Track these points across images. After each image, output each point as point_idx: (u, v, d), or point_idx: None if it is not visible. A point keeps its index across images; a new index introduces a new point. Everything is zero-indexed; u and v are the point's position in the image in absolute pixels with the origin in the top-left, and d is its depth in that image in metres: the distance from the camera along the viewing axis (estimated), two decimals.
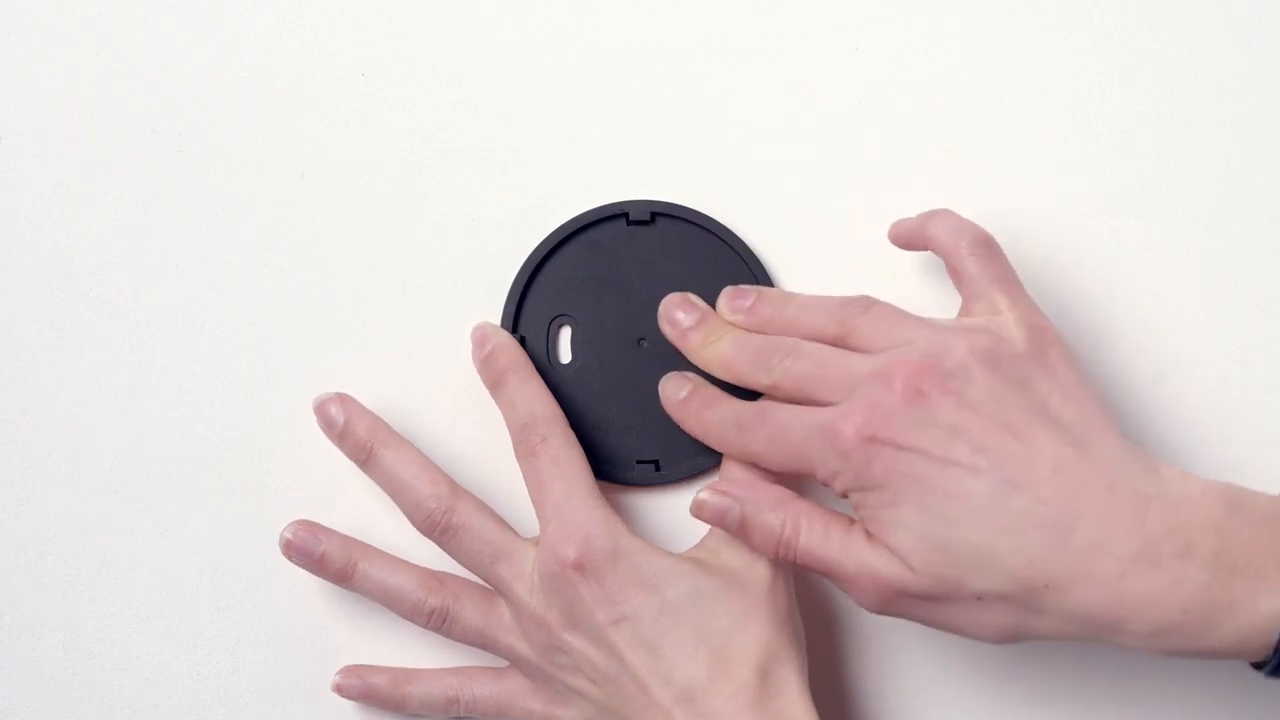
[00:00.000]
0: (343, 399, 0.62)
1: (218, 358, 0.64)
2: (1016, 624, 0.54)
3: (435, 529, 0.60)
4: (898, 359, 0.55)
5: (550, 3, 0.65)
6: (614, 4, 0.65)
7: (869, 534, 0.56)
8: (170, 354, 0.64)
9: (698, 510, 0.59)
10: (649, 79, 0.65)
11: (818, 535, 0.57)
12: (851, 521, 0.57)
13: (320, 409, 0.62)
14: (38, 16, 0.65)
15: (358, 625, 0.64)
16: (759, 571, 0.58)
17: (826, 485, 0.56)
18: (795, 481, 0.60)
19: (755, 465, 0.59)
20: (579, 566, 0.57)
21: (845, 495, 0.56)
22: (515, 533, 0.60)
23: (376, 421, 0.62)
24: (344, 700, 0.63)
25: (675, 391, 0.61)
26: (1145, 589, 0.52)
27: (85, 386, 0.64)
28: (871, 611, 0.56)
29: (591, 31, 0.65)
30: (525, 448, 0.60)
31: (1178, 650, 0.53)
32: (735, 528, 0.58)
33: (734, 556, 0.59)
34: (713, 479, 0.62)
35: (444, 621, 0.61)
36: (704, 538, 0.61)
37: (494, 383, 0.62)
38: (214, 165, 0.65)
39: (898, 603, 0.55)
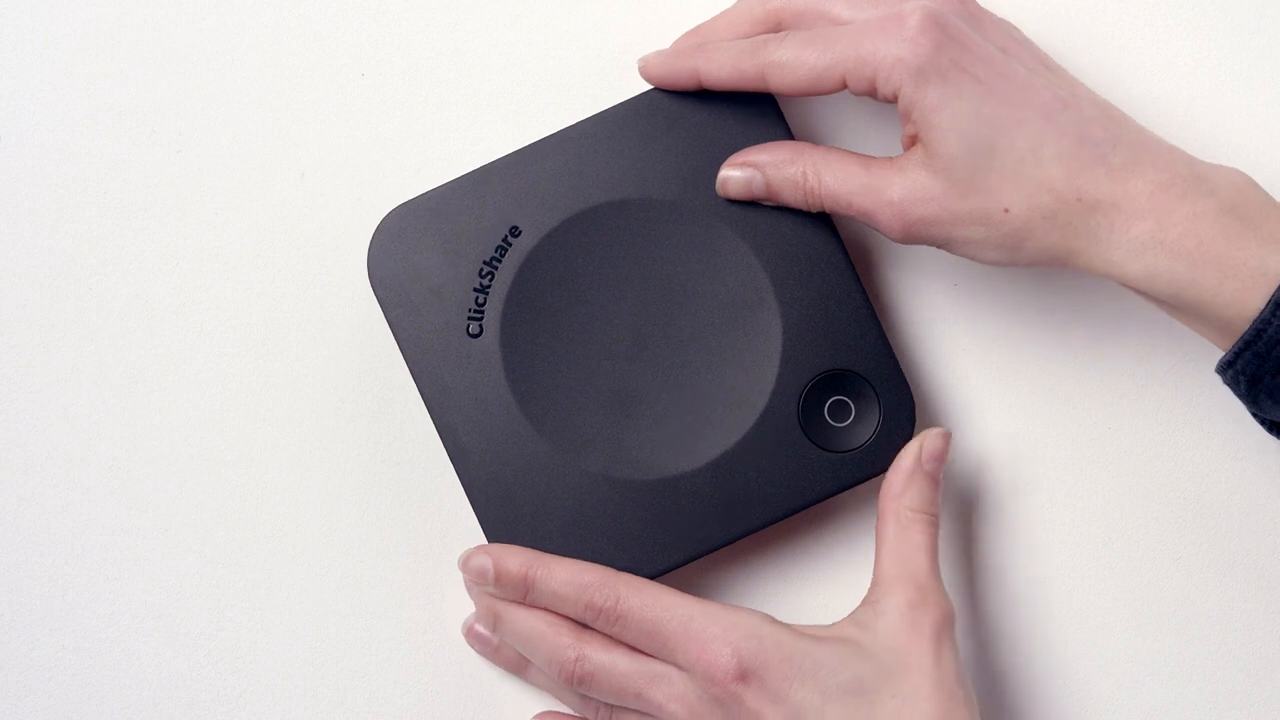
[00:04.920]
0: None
1: (218, 357, 0.64)
2: (1030, 240, 0.56)
3: (571, 680, 0.58)
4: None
5: (551, 3, 0.65)
6: (615, 5, 0.65)
7: (892, 161, 0.57)
8: (170, 354, 0.64)
9: (723, 187, 0.60)
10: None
11: (839, 176, 0.58)
12: (868, 158, 0.58)
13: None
14: (38, 16, 0.65)
15: (358, 626, 0.64)
16: (920, 648, 0.57)
17: (869, 89, 0.57)
18: None
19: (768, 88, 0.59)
20: (740, 675, 0.56)
21: (894, 96, 0.56)
22: (649, 656, 0.58)
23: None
24: (344, 699, 0.63)
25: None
26: (1169, 209, 0.54)
27: (85, 386, 0.64)
28: (896, 238, 0.58)
29: (593, 32, 0.65)
30: (606, 617, 0.58)
31: (1168, 287, 0.54)
32: (762, 192, 0.60)
33: (892, 635, 0.57)
34: None
35: None
36: (855, 610, 0.59)
37: (524, 591, 0.59)
38: (214, 165, 0.65)
39: (922, 225, 0.57)
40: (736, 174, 0.60)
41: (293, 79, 0.65)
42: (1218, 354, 0.57)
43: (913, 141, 0.57)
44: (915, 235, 0.57)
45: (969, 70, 0.56)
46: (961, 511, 0.64)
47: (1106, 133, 0.56)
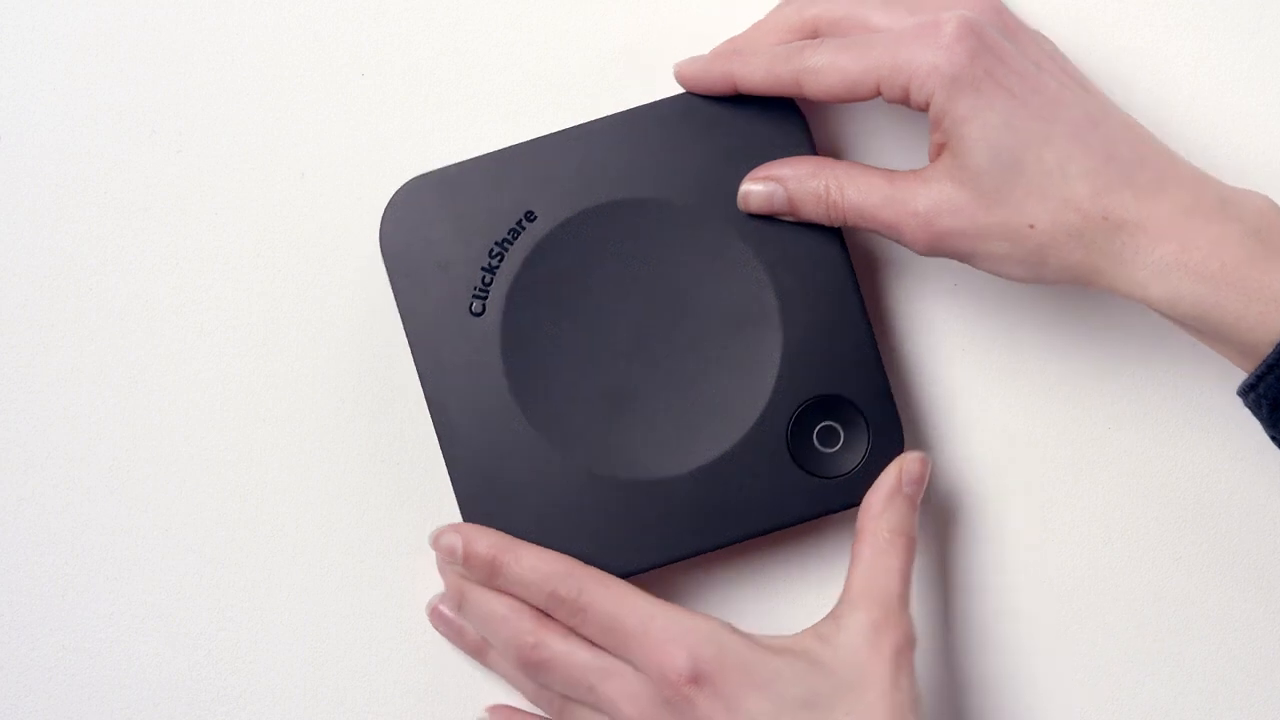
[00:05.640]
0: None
1: (218, 357, 0.64)
2: (1054, 257, 0.56)
3: (526, 666, 0.59)
4: (962, 3, 0.58)
5: (551, 3, 0.65)
6: (615, 5, 0.65)
7: (917, 173, 0.57)
8: (170, 354, 0.64)
9: (745, 201, 0.60)
10: (654, 77, 0.65)
11: (862, 189, 0.58)
12: (891, 171, 0.58)
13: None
14: (38, 16, 0.65)
15: (358, 626, 0.64)
16: (878, 669, 0.56)
17: (902, 97, 0.56)
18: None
19: (800, 94, 0.59)
20: (694, 679, 0.56)
21: (926, 104, 0.56)
22: (607, 652, 0.58)
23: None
24: (344, 699, 0.63)
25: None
26: (1194, 232, 0.54)
27: (85, 386, 0.64)
28: (921, 251, 0.58)
29: (593, 32, 0.65)
30: (568, 608, 0.58)
31: (1192, 310, 0.54)
32: (784, 206, 0.60)
33: (853, 651, 0.57)
34: None
35: None
36: (818, 623, 0.59)
37: (491, 574, 0.59)
38: (214, 165, 0.65)
39: (948, 237, 0.57)
40: (758, 188, 0.60)
41: (293, 79, 0.65)
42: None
43: (940, 151, 0.57)
44: (940, 248, 0.57)
45: (1002, 82, 0.56)
46: (962, 511, 0.64)
47: (1134, 153, 0.56)
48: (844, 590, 0.59)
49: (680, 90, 0.61)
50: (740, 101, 0.61)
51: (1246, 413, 0.57)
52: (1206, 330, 0.55)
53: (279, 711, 0.64)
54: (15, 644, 0.64)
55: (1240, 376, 0.56)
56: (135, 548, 0.64)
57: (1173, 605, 0.64)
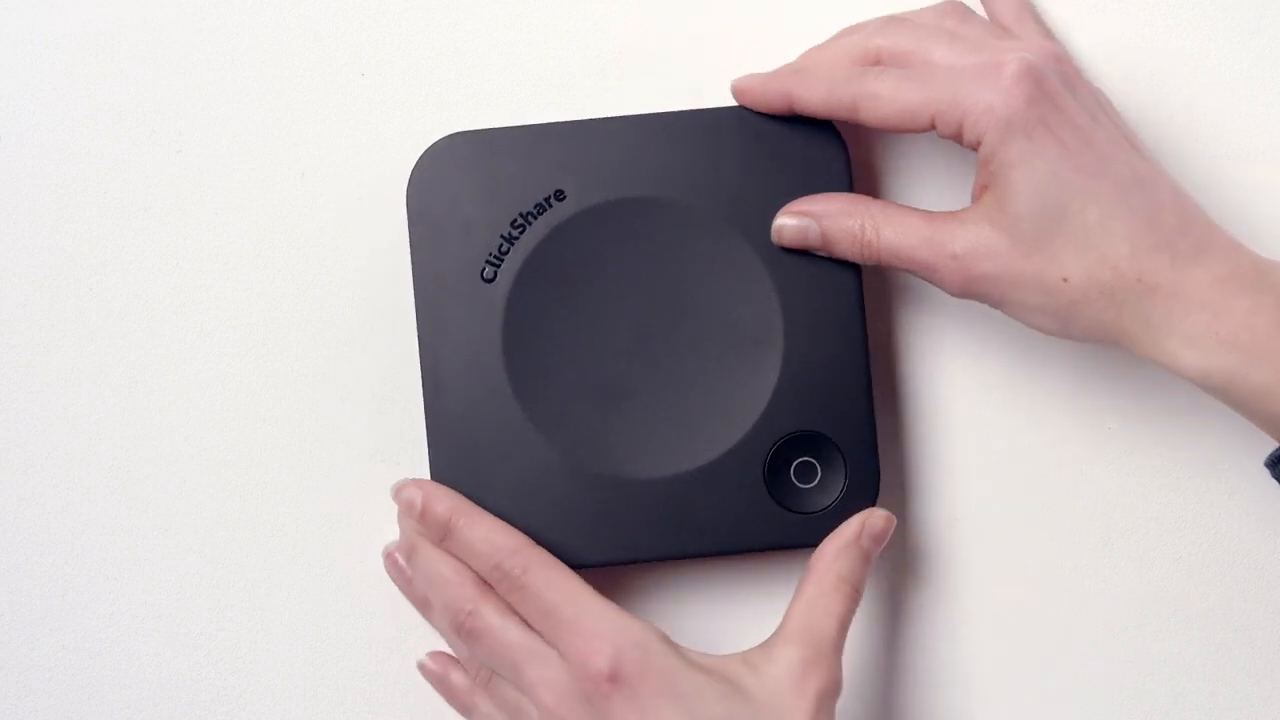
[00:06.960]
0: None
1: (217, 357, 0.64)
2: (1085, 313, 0.56)
3: (460, 632, 0.59)
4: (1026, 47, 0.57)
5: (551, 3, 0.65)
6: (615, 5, 0.65)
7: (954, 215, 0.57)
8: (170, 354, 0.64)
9: (778, 235, 0.60)
10: (654, 77, 0.65)
11: (899, 229, 0.58)
12: (928, 212, 0.58)
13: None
14: (38, 16, 0.65)
15: (358, 626, 0.64)
16: (799, 709, 0.56)
17: (955, 133, 0.56)
18: None
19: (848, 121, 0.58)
20: (613, 678, 0.55)
21: (977, 143, 0.56)
22: (539, 635, 0.58)
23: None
24: (344, 699, 0.64)
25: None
26: (1227, 302, 0.54)
27: (85, 386, 0.64)
28: (954, 293, 0.58)
29: (593, 32, 0.65)
30: (509, 583, 0.58)
31: (1222, 380, 0.54)
32: (818, 242, 0.59)
33: (777, 682, 0.56)
34: None
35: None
36: (749, 650, 0.58)
37: (443, 535, 0.59)
38: (214, 165, 0.65)
39: (983, 281, 0.57)
40: (792, 223, 0.60)
41: (293, 79, 0.65)
42: None
43: (982, 192, 0.57)
44: (973, 291, 0.57)
45: (1055, 131, 0.55)
46: (961, 510, 0.64)
47: (1176, 219, 0.56)
48: (781, 623, 0.58)
49: (734, 103, 0.61)
50: (788, 123, 0.60)
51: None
52: (1236, 403, 0.55)
53: (279, 711, 0.64)
54: (15, 644, 0.64)
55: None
56: (135, 548, 0.64)
57: (1173, 605, 0.64)
